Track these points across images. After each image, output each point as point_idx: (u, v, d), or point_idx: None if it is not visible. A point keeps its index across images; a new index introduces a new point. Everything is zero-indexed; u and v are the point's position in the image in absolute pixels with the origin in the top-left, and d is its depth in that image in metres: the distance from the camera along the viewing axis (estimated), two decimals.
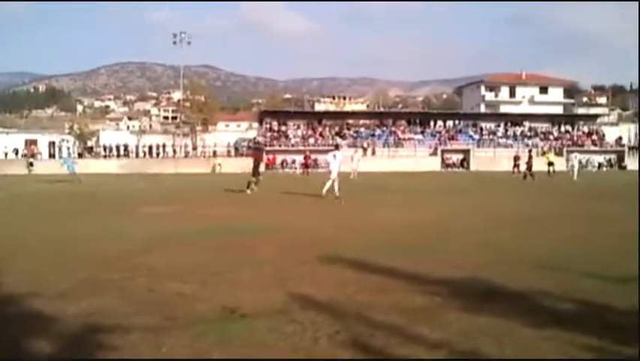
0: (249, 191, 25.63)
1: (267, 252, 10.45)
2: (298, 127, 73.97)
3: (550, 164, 47.31)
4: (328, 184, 23.27)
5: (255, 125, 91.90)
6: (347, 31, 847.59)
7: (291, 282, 7.93)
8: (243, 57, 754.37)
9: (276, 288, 7.58)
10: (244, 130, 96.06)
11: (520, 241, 11.87)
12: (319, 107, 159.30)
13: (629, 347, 5.29)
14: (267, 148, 66.29)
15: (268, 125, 73.61)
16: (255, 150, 30.32)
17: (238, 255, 10.24)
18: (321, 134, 72.10)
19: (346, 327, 5.92)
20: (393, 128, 75.55)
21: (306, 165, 58.54)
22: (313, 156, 65.46)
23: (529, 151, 48.47)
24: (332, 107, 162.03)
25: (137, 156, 69.08)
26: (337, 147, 27.84)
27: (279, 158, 67.21)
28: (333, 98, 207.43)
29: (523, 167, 44.76)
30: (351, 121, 77.91)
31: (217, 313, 6.50)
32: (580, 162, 46.48)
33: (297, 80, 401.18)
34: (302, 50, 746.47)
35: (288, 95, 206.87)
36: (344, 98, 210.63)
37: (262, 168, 28.34)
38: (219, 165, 61.92)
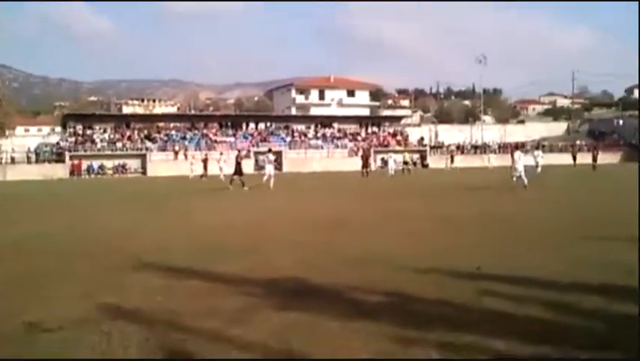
0: (246, 188, 29.66)
1: (76, 261, 9.98)
2: (105, 131, 71.13)
3: (405, 163, 54.68)
4: (268, 180, 31.15)
5: (58, 129, 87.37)
6: (156, 33, 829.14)
7: (99, 292, 7.58)
8: (43, 57, 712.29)
9: (84, 299, 7.21)
10: (46, 135, 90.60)
11: (332, 240, 12.19)
12: (127, 110, 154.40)
13: (434, 332, 5.59)
14: (72, 153, 63.37)
15: (72, 130, 70.04)
16: (238, 153, 35.28)
17: (46, 264, 9.70)
18: (129, 138, 69.86)
19: (157, 334, 5.77)
20: (205, 131, 75.00)
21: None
22: (121, 161, 63.85)
23: (367, 149, 51.50)
24: (141, 110, 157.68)
25: None
26: (270, 150, 36.42)
27: (85, 163, 64.11)
28: (142, 100, 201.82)
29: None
30: (161, 124, 76.24)
31: (18, 328, 6.06)
32: (395, 162, 52.08)
33: (104, 81, 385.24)
34: (108, 50, 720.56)
35: (93, 98, 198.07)
36: (153, 101, 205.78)
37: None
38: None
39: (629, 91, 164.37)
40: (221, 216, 17.91)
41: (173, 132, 74.01)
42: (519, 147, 34.01)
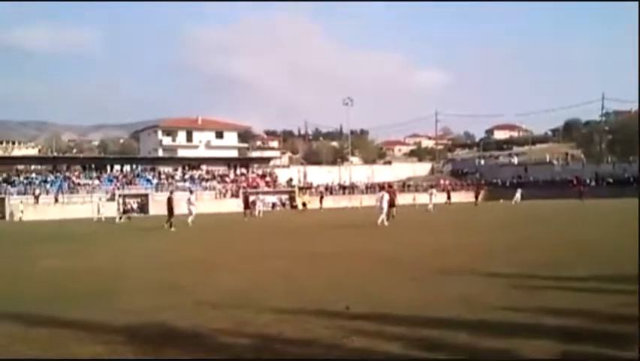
0: (173, 228, 30.17)
1: None
2: None
3: (304, 204, 64.12)
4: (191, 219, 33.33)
5: None
6: (13, 72, 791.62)
7: None
8: None
9: None
10: None
11: (197, 282, 11.88)
12: None
13: None
14: None
15: None
16: (170, 196, 35.41)
17: None
18: None
19: None
20: (67, 174, 72.19)
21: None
22: None
23: (248, 194, 55.90)
24: None
25: None
26: (192, 192, 40.47)
27: None
28: (0, 142, 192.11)
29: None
30: (21, 167, 72.86)
31: None
32: (263, 203, 58.12)
33: None
34: None
35: None
36: (12, 143, 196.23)
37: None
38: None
39: (490, 132, 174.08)
40: (80, 261, 17.11)
41: (34, 175, 70.79)
42: (384, 187, 37.35)
